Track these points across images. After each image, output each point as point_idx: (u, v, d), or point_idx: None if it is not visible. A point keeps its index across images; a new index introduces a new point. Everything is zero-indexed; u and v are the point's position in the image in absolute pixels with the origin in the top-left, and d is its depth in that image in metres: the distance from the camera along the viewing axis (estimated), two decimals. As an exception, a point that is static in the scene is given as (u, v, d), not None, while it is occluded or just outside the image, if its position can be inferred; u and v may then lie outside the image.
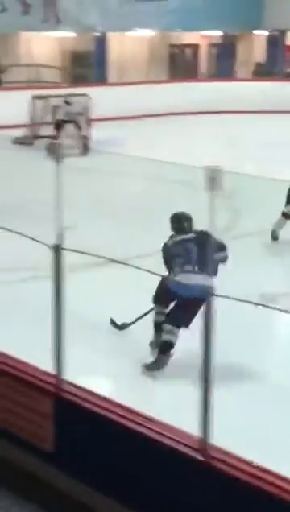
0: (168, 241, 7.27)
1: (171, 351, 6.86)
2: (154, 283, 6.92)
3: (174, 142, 19.37)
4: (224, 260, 7.17)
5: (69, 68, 28.46)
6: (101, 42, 27.55)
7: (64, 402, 5.48)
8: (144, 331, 7.37)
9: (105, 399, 5.42)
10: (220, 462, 4.73)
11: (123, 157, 17.35)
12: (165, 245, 7.26)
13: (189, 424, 4.92)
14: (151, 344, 7.25)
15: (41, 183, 13.27)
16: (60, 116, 18.23)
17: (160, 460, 4.98)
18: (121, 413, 5.21)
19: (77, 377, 5.66)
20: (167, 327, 6.89)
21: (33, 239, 5.97)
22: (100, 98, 20.89)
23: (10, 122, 20.17)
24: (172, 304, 7.04)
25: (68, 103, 18.23)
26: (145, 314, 7.41)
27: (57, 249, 5.49)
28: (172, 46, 29.92)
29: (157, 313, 7.20)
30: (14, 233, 6.44)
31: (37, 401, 5.61)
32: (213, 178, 4.58)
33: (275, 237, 10.98)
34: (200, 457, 4.78)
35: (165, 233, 7.32)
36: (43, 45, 26.44)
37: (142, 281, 6.32)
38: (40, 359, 5.78)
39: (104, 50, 27.63)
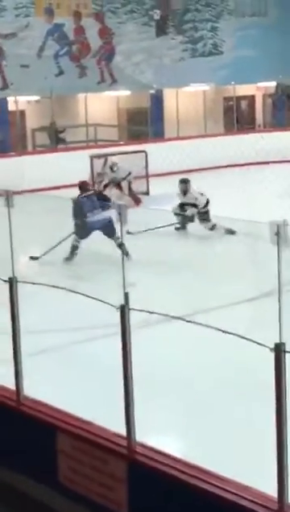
0: (78, 198, 13.37)
1: (76, 251, 12.99)
2: (218, 339, 6.84)
3: (234, 195, 19.27)
4: (109, 207, 13.04)
5: (126, 126, 28.84)
6: (157, 98, 27.91)
7: (136, 464, 5.41)
8: (214, 392, 7.27)
9: (178, 460, 5.34)
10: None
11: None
12: (77, 199, 13.35)
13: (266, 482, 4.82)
14: (67, 258, 12.91)
15: (100, 240, 13.45)
16: (106, 181, 19.09)
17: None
18: (195, 474, 5.12)
19: (148, 436, 5.60)
20: (76, 237, 13.06)
21: (99, 300, 5.96)
22: (157, 154, 21.18)
23: (70, 182, 20.46)
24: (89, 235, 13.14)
25: (112, 170, 18.82)
26: (58, 243, 13.00)
27: (123, 310, 5.50)
28: (227, 98, 30.12)
29: (76, 240, 13.05)
30: (79, 294, 6.45)
31: (110, 463, 5.55)
32: (279, 233, 4.54)
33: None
34: (278, 518, 4.67)
35: (232, 287, 7.25)
36: (100, 104, 26.88)
37: (206, 337, 6.24)
38: (108, 419, 5.75)
39: (160, 106, 27.98)
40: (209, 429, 6.78)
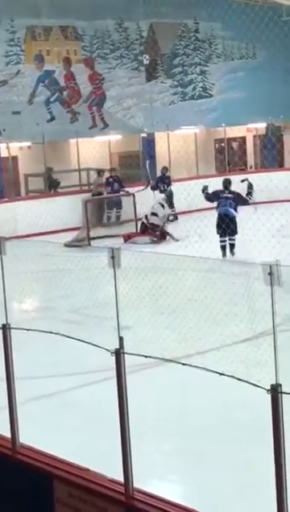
0: None
1: None
2: (215, 380, 6.79)
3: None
4: None
5: (118, 170, 28.95)
6: (148, 142, 28.07)
7: (134, 510, 5.33)
8: (213, 436, 7.19)
9: (176, 506, 5.26)
10: None
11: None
12: None
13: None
14: None
15: (93, 283, 13.42)
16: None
17: None
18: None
19: (146, 482, 5.52)
20: None
21: (94, 345, 5.92)
22: (149, 196, 21.33)
23: (63, 226, 20.64)
24: None
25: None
26: None
27: (118, 354, 5.45)
28: (218, 140, 30.33)
29: None
30: (74, 339, 6.40)
31: (108, 511, 5.46)
32: (271, 273, 4.52)
33: None
34: None
35: (227, 327, 7.21)
36: (92, 149, 27.01)
37: (203, 378, 6.18)
38: (105, 465, 5.68)
39: (151, 149, 28.13)
40: (208, 474, 6.69)
